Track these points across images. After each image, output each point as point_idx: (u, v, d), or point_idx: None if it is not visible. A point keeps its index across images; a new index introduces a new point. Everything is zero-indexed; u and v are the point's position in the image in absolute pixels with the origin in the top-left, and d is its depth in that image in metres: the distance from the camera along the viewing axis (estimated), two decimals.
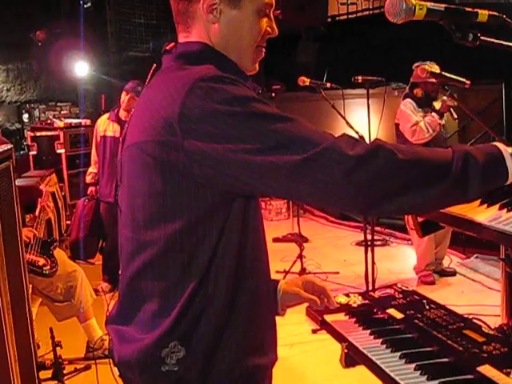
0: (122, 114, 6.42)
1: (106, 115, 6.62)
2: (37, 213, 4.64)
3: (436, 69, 5.41)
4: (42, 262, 4.33)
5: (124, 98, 6.37)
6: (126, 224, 1.67)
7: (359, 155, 1.38)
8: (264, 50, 1.73)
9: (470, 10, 1.62)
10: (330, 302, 1.96)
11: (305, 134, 1.42)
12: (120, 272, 1.75)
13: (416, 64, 5.77)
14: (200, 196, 1.50)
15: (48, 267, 4.33)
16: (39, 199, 4.79)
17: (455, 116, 5.76)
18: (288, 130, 1.42)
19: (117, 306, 1.73)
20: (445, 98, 5.71)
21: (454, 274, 6.37)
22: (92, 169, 6.68)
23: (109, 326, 1.72)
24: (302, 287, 1.96)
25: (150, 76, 1.75)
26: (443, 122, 5.93)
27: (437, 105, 5.90)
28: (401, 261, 7.21)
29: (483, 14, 1.63)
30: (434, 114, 5.80)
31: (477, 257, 6.71)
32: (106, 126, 6.49)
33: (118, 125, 6.40)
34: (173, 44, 1.70)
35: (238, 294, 1.58)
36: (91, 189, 6.68)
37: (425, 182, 1.42)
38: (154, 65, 1.77)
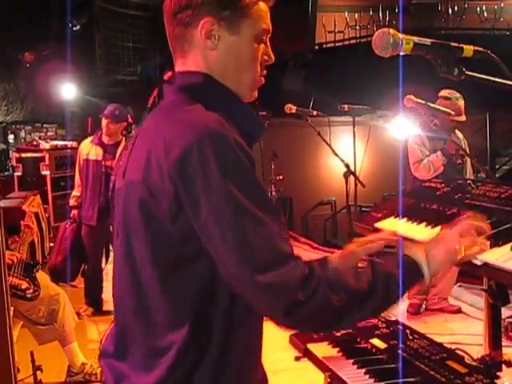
0: (105, 138, 6.46)
1: (89, 139, 6.63)
2: (20, 234, 4.61)
3: (461, 102, 5.43)
4: (24, 285, 4.29)
5: (103, 123, 6.42)
6: (121, 256, 1.64)
7: (303, 298, 1.41)
8: (263, 77, 1.71)
9: (455, 45, 1.64)
10: None
11: (263, 249, 1.41)
12: (114, 302, 1.72)
13: (442, 93, 5.53)
14: (179, 243, 1.49)
15: (31, 291, 4.29)
16: (22, 220, 4.77)
17: (459, 160, 5.62)
18: (251, 235, 1.41)
19: (111, 339, 1.69)
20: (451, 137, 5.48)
21: (459, 311, 6.06)
22: (75, 192, 6.65)
23: (103, 360, 1.69)
24: None
25: (151, 101, 1.72)
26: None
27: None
28: None
29: (469, 49, 1.66)
30: (439, 153, 5.59)
31: (460, 285, 6.71)
32: (88, 149, 6.49)
33: (100, 148, 6.42)
34: (170, 73, 1.68)
35: (232, 346, 1.55)
36: (74, 212, 6.64)
37: (354, 313, 1.51)
38: (156, 89, 1.73)
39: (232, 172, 1.43)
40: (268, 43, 1.71)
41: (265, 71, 1.71)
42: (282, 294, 1.40)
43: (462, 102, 5.45)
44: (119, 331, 1.67)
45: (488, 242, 1.73)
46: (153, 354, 1.54)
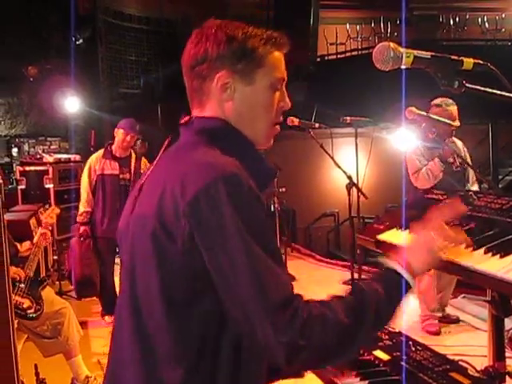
0: (119, 152, 6.44)
1: (99, 154, 6.56)
2: (31, 250, 4.61)
3: (452, 107, 5.41)
4: (26, 304, 4.27)
5: (123, 136, 6.38)
6: (125, 281, 1.65)
7: (303, 342, 1.41)
8: (278, 126, 1.74)
9: (455, 58, 1.65)
10: None
11: (274, 291, 1.44)
12: (112, 334, 1.70)
13: (434, 101, 5.48)
14: (189, 280, 1.49)
15: (32, 310, 4.27)
16: (37, 232, 4.79)
17: (456, 163, 5.53)
18: (263, 277, 1.43)
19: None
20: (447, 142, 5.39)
21: (457, 321, 6.01)
22: (84, 208, 6.54)
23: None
24: None
25: (163, 149, 1.74)
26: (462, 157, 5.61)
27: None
28: None
29: (468, 62, 1.66)
30: (436, 159, 5.56)
31: (464, 297, 6.69)
32: (102, 164, 6.43)
33: (115, 162, 6.42)
34: (188, 117, 1.70)
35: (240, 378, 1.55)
36: (84, 228, 6.58)
37: (348, 348, 1.53)
38: (169, 138, 1.75)
39: (245, 215, 1.44)
40: (284, 90, 1.73)
41: (281, 118, 1.73)
42: (285, 340, 1.40)
43: (453, 108, 5.40)
44: (112, 372, 1.67)
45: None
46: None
